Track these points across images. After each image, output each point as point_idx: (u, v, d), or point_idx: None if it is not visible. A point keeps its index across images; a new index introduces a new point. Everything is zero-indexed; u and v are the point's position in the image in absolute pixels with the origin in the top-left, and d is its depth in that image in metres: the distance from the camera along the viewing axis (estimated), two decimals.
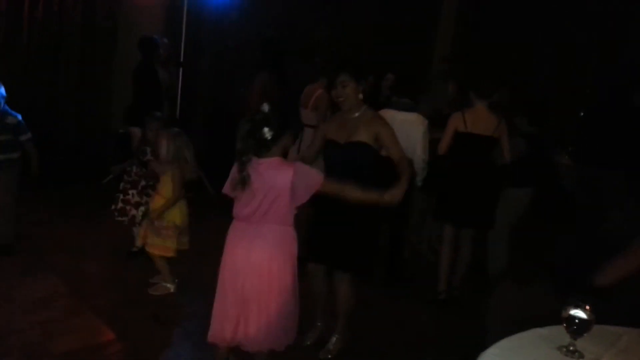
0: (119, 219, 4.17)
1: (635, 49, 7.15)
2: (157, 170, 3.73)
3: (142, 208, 4.07)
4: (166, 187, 3.66)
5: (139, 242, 4.00)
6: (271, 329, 2.54)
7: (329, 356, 3.24)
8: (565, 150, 6.67)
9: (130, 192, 4.15)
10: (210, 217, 4.79)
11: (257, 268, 2.50)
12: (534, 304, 2.49)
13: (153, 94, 5.24)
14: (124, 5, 6.73)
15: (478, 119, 3.96)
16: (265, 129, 2.43)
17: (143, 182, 4.15)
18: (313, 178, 2.49)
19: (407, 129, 4.02)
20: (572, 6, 7.70)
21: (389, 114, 4.07)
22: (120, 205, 4.16)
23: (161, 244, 3.65)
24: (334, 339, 3.27)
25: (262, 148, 2.47)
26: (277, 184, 2.45)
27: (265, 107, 2.47)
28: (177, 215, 3.66)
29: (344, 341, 3.30)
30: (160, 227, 3.63)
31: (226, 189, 2.58)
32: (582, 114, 7.83)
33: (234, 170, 2.53)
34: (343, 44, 7.53)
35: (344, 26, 7.69)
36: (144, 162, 4.12)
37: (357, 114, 2.99)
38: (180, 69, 6.79)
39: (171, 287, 3.79)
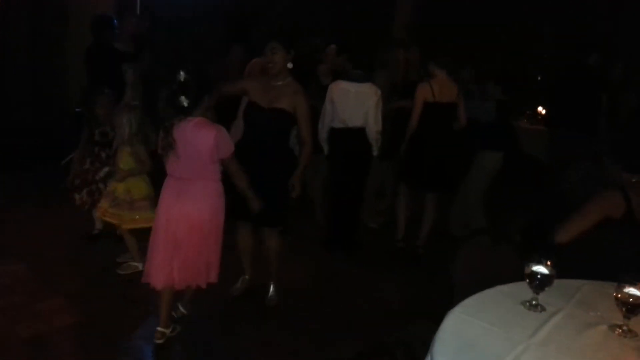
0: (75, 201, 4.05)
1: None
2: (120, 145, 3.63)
3: (102, 172, 3.93)
4: (126, 160, 3.59)
5: (98, 224, 3.93)
6: (195, 265, 2.85)
7: (274, 303, 3.50)
8: (524, 115, 6.84)
9: (94, 166, 4.01)
10: None
11: (188, 218, 2.77)
12: (500, 263, 2.56)
13: (107, 75, 5.01)
14: None
15: (443, 87, 4.10)
16: (182, 97, 2.62)
17: (103, 155, 4.01)
18: (227, 147, 2.75)
19: (362, 100, 4.17)
20: None
21: (342, 85, 4.15)
22: (76, 182, 4.02)
23: (142, 217, 3.59)
24: (271, 288, 3.54)
25: (181, 114, 2.67)
26: (199, 142, 2.67)
27: (181, 76, 2.63)
28: (143, 186, 3.64)
29: (279, 289, 3.57)
30: (132, 201, 3.59)
31: (159, 149, 2.81)
32: (539, 78, 8.06)
33: (161, 134, 2.74)
34: (301, 15, 7.44)
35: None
36: (105, 143, 3.98)
37: (281, 82, 3.16)
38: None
39: (139, 265, 3.73)
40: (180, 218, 2.77)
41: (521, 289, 1.99)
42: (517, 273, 2.02)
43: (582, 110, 4.74)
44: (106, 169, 3.91)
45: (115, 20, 5.26)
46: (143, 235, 3.71)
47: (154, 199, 3.64)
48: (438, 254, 4.39)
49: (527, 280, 1.94)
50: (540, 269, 1.92)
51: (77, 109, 5.85)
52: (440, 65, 4.12)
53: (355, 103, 4.18)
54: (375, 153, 4.33)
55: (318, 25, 7.53)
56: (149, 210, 3.59)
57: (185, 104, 2.63)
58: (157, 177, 3.70)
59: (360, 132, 4.24)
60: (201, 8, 7.16)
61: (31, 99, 6.50)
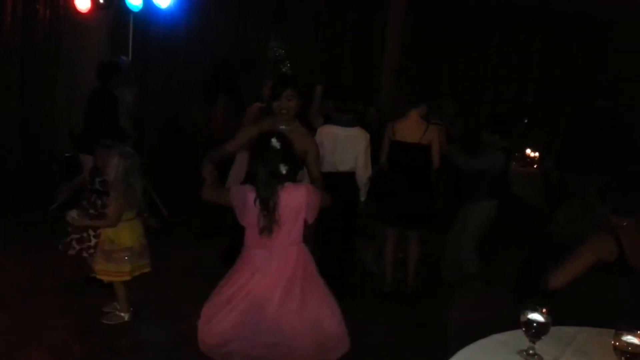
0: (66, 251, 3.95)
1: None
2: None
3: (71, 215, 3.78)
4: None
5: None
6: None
7: None
8: (514, 157, 6.92)
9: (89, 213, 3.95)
10: (165, 240, 4.68)
11: (289, 287, 2.55)
12: (493, 309, 2.53)
13: (110, 122, 4.99)
14: (67, 24, 6.53)
15: (408, 127, 4.20)
16: (281, 165, 2.50)
17: (99, 203, 3.96)
18: (316, 203, 2.60)
19: (351, 145, 4.23)
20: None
21: (333, 130, 4.20)
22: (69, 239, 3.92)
23: (114, 270, 3.50)
24: None
25: (280, 183, 2.52)
26: (294, 206, 2.55)
27: (276, 144, 2.52)
28: (127, 236, 3.51)
29: None
30: (110, 250, 3.49)
31: (236, 200, 2.56)
32: (525, 121, 8.22)
33: (248, 204, 2.51)
34: (293, 59, 7.57)
35: (293, 41, 7.74)
36: (104, 192, 3.93)
37: (289, 127, 3.16)
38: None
39: (125, 315, 3.64)
40: (278, 286, 2.54)
41: (517, 338, 1.96)
42: (512, 318, 1.99)
43: (595, 154, 4.72)
44: (75, 211, 3.75)
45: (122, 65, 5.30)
46: (132, 284, 3.66)
47: (144, 251, 3.60)
48: (431, 298, 4.36)
49: (523, 329, 1.90)
50: (536, 316, 1.89)
51: (66, 154, 5.85)
52: (410, 106, 4.21)
53: (344, 147, 4.22)
54: (363, 198, 4.36)
55: (312, 67, 7.69)
56: (126, 263, 3.49)
57: (284, 171, 2.52)
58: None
59: (350, 175, 4.26)
60: (193, 54, 7.28)
61: (19, 142, 6.48)
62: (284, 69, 5.34)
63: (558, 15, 7.81)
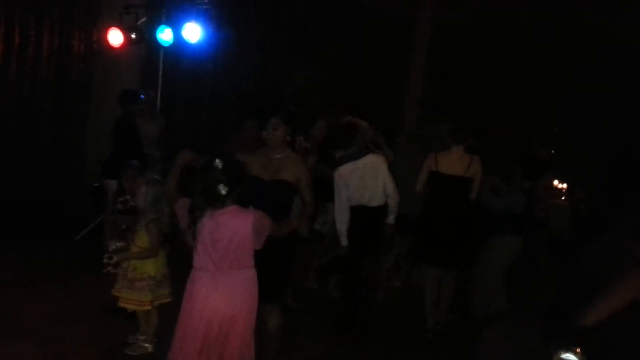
0: (108, 270, 4.04)
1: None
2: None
3: (116, 244, 3.90)
4: (140, 237, 3.55)
5: (114, 292, 3.83)
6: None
7: None
8: (541, 188, 6.79)
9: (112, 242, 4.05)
10: (188, 269, 4.68)
11: (231, 310, 2.61)
12: (524, 347, 2.45)
13: (132, 147, 5.19)
14: (100, 59, 6.77)
15: (451, 159, 4.14)
16: (221, 186, 2.52)
17: (123, 226, 4.03)
18: (265, 231, 2.66)
19: (374, 170, 4.19)
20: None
21: (349, 167, 4.17)
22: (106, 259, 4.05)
23: (135, 298, 3.50)
24: None
25: (218, 202, 2.56)
26: (238, 230, 2.58)
27: (219, 163, 2.54)
28: (151, 266, 3.52)
29: None
30: (133, 279, 3.50)
31: (188, 239, 2.64)
32: (552, 152, 8.12)
33: (183, 223, 2.61)
34: (317, 91, 7.69)
35: (317, 73, 7.88)
36: (125, 211, 4.02)
37: (281, 155, 3.21)
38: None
39: (149, 346, 3.63)
40: (224, 311, 2.60)
41: None
42: (543, 357, 1.92)
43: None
44: (118, 244, 3.87)
45: (142, 95, 5.50)
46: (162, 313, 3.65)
47: (165, 281, 3.61)
48: (460, 337, 4.23)
49: None
50: (570, 357, 1.83)
51: (94, 184, 5.98)
52: (456, 141, 4.15)
53: (368, 176, 4.19)
54: (392, 222, 4.29)
55: (336, 95, 7.77)
56: (147, 292, 3.49)
57: (224, 192, 2.53)
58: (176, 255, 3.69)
59: (378, 209, 4.23)
60: (220, 87, 7.45)
61: (49, 173, 6.65)
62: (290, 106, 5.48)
63: (578, 45, 7.78)
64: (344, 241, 4.16)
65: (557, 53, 8.20)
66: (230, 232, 2.56)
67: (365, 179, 4.19)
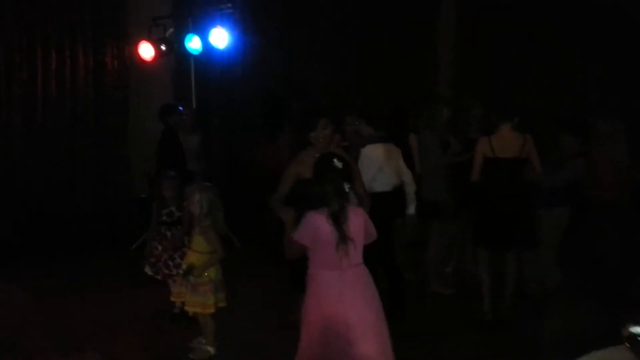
0: (150, 273, 4.19)
1: None
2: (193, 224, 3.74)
3: (183, 266, 3.88)
4: (198, 242, 3.66)
5: (178, 302, 3.94)
6: None
7: None
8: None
9: (159, 247, 4.18)
10: (241, 273, 4.77)
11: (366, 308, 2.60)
12: (587, 321, 2.41)
13: (176, 160, 5.34)
14: (133, 73, 6.94)
15: (504, 142, 4.03)
16: (345, 183, 2.60)
17: (164, 242, 4.18)
18: (372, 225, 2.71)
19: (393, 159, 4.25)
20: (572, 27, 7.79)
21: (374, 147, 4.22)
22: (152, 260, 4.19)
23: (200, 301, 3.60)
24: None
25: (344, 201, 2.62)
26: (357, 226, 2.62)
27: (337, 163, 2.61)
28: (212, 269, 3.64)
29: None
30: (196, 283, 3.60)
31: (304, 239, 2.62)
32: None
33: (318, 224, 2.57)
34: (343, 88, 7.69)
35: (345, 68, 7.86)
36: (172, 223, 4.15)
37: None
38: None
39: (211, 349, 3.72)
40: (357, 310, 2.59)
41: (621, 354, 1.85)
42: (604, 330, 1.89)
43: None
44: (184, 266, 3.81)
45: (181, 107, 5.64)
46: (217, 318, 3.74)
47: (221, 285, 3.69)
48: (518, 316, 4.17)
49: (627, 344, 1.80)
50: None
51: (142, 195, 6.16)
52: (502, 120, 4.06)
53: (388, 162, 4.23)
54: (413, 212, 4.30)
55: (363, 89, 7.74)
56: (210, 295, 3.59)
57: (347, 189, 2.62)
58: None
59: (392, 193, 4.24)
60: (249, 90, 7.52)
61: (97, 188, 6.88)
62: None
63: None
64: None
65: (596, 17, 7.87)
66: (357, 228, 2.62)
67: (383, 163, 4.21)
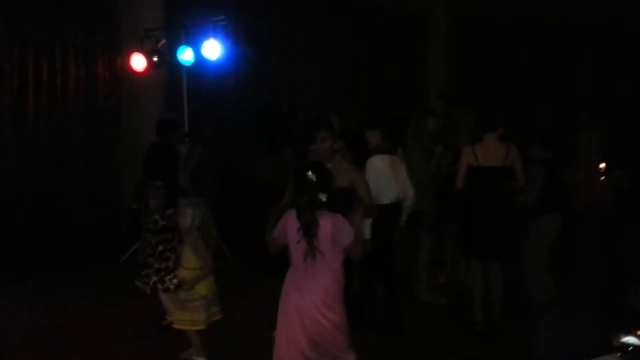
0: (142, 287, 4.14)
1: None
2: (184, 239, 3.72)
3: (174, 280, 3.90)
4: (188, 259, 3.64)
5: (168, 315, 3.90)
6: None
7: None
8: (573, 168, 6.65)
9: (149, 260, 4.14)
10: (233, 282, 4.75)
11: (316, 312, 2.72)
12: (578, 334, 2.43)
13: (173, 172, 5.31)
14: (125, 84, 6.92)
15: (488, 151, 4.07)
16: (320, 195, 2.70)
17: (160, 247, 4.13)
18: (346, 234, 2.73)
19: (399, 171, 4.25)
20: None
21: (379, 158, 4.22)
22: (143, 273, 4.15)
23: (189, 319, 3.58)
24: None
25: (319, 210, 2.70)
26: (325, 235, 2.69)
27: (312, 176, 2.71)
28: (203, 285, 3.60)
29: None
30: (185, 300, 3.57)
31: (275, 234, 2.83)
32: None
33: (289, 224, 2.73)
34: (336, 98, 7.74)
35: (337, 78, 7.91)
36: (155, 231, 4.14)
37: (332, 164, 3.32)
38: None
39: (200, 359, 3.71)
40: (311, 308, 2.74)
41: None
42: (599, 342, 1.90)
43: None
44: (175, 281, 3.86)
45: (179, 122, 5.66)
46: (206, 329, 3.70)
47: (215, 299, 3.68)
48: (512, 328, 4.18)
49: (619, 354, 1.81)
50: (631, 339, 1.80)
51: (133, 206, 6.12)
52: (487, 129, 4.10)
53: (394, 173, 4.23)
54: (403, 222, 4.34)
55: (354, 99, 7.80)
56: (201, 311, 3.57)
57: (324, 199, 2.70)
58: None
59: (394, 206, 4.25)
60: (242, 101, 7.56)
61: (89, 199, 6.84)
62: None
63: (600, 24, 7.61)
64: (367, 234, 4.15)
65: (579, 34, 8.04)
66: (325, 236, 2.69)
67: (389, 175, 4.21)
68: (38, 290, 4.61)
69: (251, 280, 5.45)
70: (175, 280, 3.76)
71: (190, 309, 3.56)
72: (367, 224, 4.07)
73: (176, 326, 3.66)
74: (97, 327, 4.45)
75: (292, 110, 6.60)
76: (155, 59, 6.48)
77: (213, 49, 6.38)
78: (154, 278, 4.08)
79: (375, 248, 4.13)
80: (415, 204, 4.58)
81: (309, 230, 2.65)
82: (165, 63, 6.65)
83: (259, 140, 6.25)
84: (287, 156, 5.67)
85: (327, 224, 2.68)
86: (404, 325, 4.27)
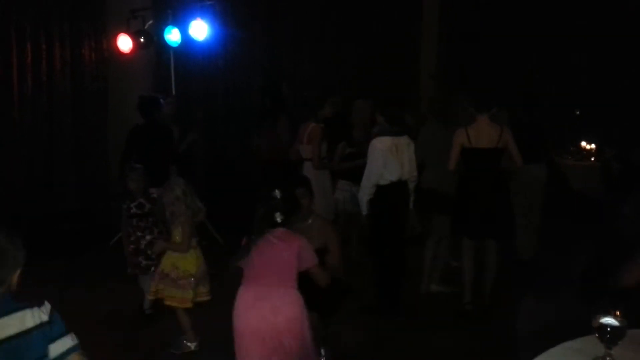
0: (131, 271, 4.14)
1: None
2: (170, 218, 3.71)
3: (147, 237, 4.04)
4: (176, 236, 3.65)
5: (150, 296, 3.88)
6: None
7: None
8: (566, 151, 6.66)
9: (136, 236, 4.12)
10: (224, 268, 4.73)
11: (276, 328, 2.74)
12: (561, 314, 2.41)
13: (170, 154, 5.28)
14: (112, 65, 6.81)
15: (481, 132, 4.03)
16: (277, 214, 2.79)
17: (148, 237, 4.11)
18: (310, 258, 2.82)
19: (406, 152, 4.20)
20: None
21: (385, 140, 4.14)
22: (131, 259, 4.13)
23: (179, 296, 3.58)
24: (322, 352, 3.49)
25: (273, 228, 2.81)
26: (283, 252, 2.75)
27: (277, 194, 2.80)
28: (192, 264, 3.61)
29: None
30: (176, 277, 3.59)
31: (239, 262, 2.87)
32: (577, 112, 7.89)
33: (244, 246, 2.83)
34: (327, 78, 7.64)
35: (327, 59, 7.81)
36: (143, 214, 4.11)
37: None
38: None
39: (192, 345, 3.70)
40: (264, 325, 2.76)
41: (591, 344, 1.84)
42: (582, 323, 1.88)
43: None
44: (148, 237, 4.02)
45: (162, 97, 5.54)
46: (198, 313, 3.70)
47: (204, 279, 3.68)
48: (497, 306, 4.21)
49: (597, 335, 1.79)
50: (610, 320, 1.78)
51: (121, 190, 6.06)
52: (480, 110, 4.05)
53: (402, 156, 4.20)
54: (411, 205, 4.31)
55: (345, 80, 7.71)
56: (189, 290, 3.57)
57: (280, 220, 2.79)
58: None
59: (404, 184, 4.24)
60: (232, 82, 7.45)
61: (77, 183, 6.75)
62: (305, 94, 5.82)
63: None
64: (365, 209, 4.22)
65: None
66: (278, 253, 2.75)
67: (396, 156, 4.18)
68: (25, 276, 4.52)
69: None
70: (145, 240, 3.94)
71: (181, 286, 3.58)
72: (364, 199, 4.21)
73: (166, 302, 3.66)
74: (88, 314, 4.37)
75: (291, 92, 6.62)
76: (142, 39, 6.38)
77: (200, 30, 6.29)
78: (143, 261, 4.06)
79: (376, 222, 4.22)
80: (429, 182, 4.52)
81: (253, 241, 2.76)
82: (153, 44, 6.55)
83: (263, 116, 6.18)
84: (284, 126, 5.73)
85: (287, 243, 2.74)
86: (400, 306, 4.30)
